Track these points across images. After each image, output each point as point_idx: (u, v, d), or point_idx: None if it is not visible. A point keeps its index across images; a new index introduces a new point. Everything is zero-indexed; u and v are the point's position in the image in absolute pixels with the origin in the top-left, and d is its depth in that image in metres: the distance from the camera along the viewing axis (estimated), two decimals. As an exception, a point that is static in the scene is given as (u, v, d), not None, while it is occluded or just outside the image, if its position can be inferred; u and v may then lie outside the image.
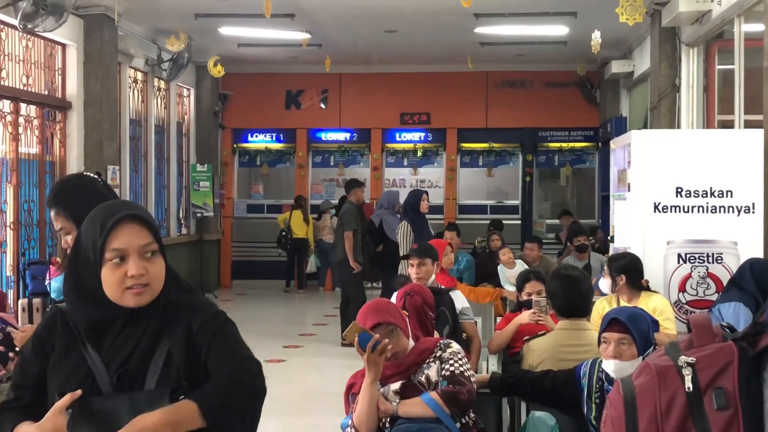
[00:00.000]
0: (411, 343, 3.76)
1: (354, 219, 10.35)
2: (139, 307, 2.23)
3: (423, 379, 3.68)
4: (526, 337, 4.84)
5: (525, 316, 5.41)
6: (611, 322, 3.66)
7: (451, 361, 3.69)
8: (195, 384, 2.20)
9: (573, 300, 4.52)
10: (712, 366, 1.61)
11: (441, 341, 3.84)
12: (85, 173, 3.49)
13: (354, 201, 10.62)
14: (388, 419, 3.64)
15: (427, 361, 3.72)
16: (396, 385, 3.66)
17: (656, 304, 5.42)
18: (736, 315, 5.05)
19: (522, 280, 6.04)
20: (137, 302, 2.23)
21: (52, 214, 3.14)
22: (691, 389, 1.61)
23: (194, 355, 2.23)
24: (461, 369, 3.68)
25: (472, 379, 3.73)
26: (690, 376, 1.61)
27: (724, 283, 5.82)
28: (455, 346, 3.81)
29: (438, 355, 3.73)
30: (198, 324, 2.25)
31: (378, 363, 3.51)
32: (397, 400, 3.63)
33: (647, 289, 5.67)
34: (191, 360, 2.23)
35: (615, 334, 3.62)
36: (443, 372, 3.66)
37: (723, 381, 1.60)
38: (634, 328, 3.59)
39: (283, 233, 15.16)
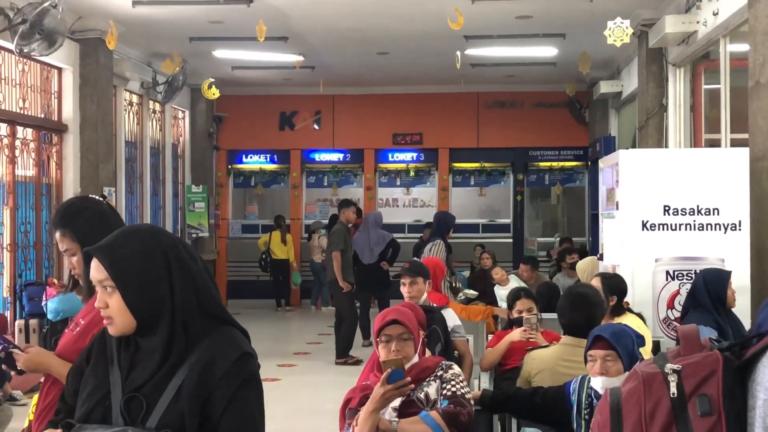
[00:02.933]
0: (416, 358, 3.78)
1: (342, 239, 10.39)
2: (166, 333, 2.15)
3: (422, 396, 3.69)
4: (527, 347, 4.89)
5: (516, 334, 5.47)
6: (595, 340, 3.73)
7: (453, 382, 3.71)
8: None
9: (587, 319, 4.41)
10: (697, 373, 1.62)
11: (443, 362, 3.85)
12: (90, 196, 3.49)
13: (344, 221, 10.69)
14: None
15: (428, 379, 3.74)
16: (396, 402, 3.64)
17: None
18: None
19: (512, 298, 6.08)
20: (111, 332, 2.20)
21: (58, 235, 3.15)
22: (676, 395, 1.62)
23: (203, 401, 2.11)
24: (462, 391, 3.70)
25: (472, 402, 3.75)
26: (675, 383, 1.63)
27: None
28: (457, 369, 3.83)
29: (439, 374, 3.75)
30: (220, 371, 2.12)
31: (391, 399, 3.50)
32: (396, 417, 3.63)
33: (628, 310, 5.66)
34: (197, 402, 2.10)
35: (600, 351, 3.69)
36: (444, 391, 3.68)
37: (707, 388, 1.60)
38: (618, 345, 3.66)
39: (264, 256, 15.23)
